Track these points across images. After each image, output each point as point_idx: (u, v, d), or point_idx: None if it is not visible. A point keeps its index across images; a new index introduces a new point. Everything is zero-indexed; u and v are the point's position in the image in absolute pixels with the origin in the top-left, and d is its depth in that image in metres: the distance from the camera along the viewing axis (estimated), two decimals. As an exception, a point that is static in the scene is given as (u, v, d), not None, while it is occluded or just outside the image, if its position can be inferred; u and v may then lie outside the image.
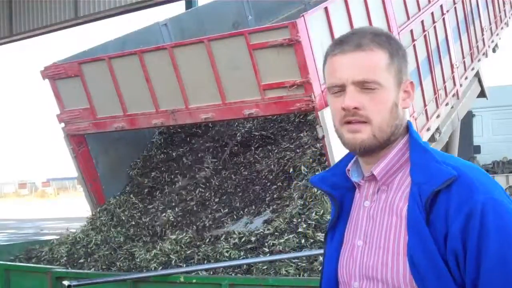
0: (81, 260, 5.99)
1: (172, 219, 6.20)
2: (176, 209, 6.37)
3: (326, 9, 5.67)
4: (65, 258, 6.12)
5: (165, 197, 6.62)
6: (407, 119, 1.78)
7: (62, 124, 6.84)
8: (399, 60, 1.73)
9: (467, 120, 10.59)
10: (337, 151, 5.39)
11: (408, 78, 1.76)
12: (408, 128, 1.76)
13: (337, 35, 5.75)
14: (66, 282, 4.67)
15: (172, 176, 6.93)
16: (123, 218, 6.57)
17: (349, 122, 1.69)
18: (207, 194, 6.38)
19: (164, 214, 6.34)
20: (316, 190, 5.36)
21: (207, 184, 6.53)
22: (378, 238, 1.67)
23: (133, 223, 6.43)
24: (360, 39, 1.70)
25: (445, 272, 1.57)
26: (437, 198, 1.60)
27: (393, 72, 1.70)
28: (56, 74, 6.64)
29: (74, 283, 4.68)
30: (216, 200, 6.26)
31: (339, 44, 1.72)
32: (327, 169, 1.96)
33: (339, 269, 1.77)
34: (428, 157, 1.68)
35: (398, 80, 1.71)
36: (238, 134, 6.98)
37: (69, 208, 32.08)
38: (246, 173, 6.41)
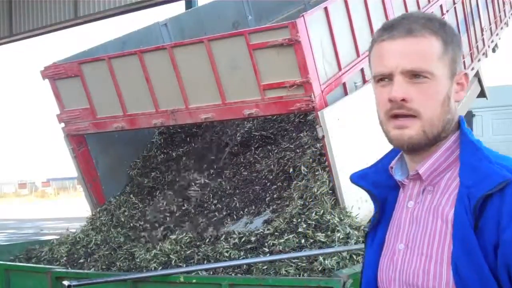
0: (81, 260, 5.99)
1: (172, 219, 6.20)
2: (176, 209, 6.36)
3: (326, 9, 5.67)
4: (65, 258, 6.12)
5: (165, 198, 6.61)
6: (459, 114, 1.64)
7: (62, 124, 6.83)
8: (454, 48, 1.58)
9: (467, 120, 10.57)
10: (337, 151, 5.39)
11: (462, 69, 1.61)
12: (459, 124, 1.61)
13: (337, 35, 5.78)
14: (66, 282, 4.66)
15: (172, 176, 6.92)
16: (123, 219, 6.57)
17: (395, 116, 1.56)
18: (206, 195, 6.37)
19: (163, 214, 6.34)
20: (316, 190, 5.36)
21: (207, 185, 6.53)
22: (421, 243, 1.55)
23: (133, 223, 6.43)
24: (411, 24, 1.56)
25: (494, 286, 1.43)
26: (487, 202, 1.45)
27: (447, 62, 1.56)
28: (56, 74, 6.64)
29: (74, 283, 4.67)
30: (216, 200, 6.25)
31: (388, 29, 1.58)
32: (369, 165, 1.82)
33: (378, 274, 1.66)
34: (480, 156, 1.53)
35: (452, 71, 1.57)
36: (238, 134, 6.98)
37: (69, 208, 32.08)
38: (246, 173, 6.41)
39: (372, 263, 1.68)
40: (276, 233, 5.18)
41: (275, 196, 5.90)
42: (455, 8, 8.69)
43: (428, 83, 1.53)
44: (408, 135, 1.55)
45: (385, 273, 1.63)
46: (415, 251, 1.55)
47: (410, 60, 1.53)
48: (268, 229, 5.28)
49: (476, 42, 9.49)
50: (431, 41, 1.55)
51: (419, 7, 7.56)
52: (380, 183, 1.71)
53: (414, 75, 1.53)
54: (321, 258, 4.75)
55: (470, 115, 14.20)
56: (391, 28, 1.58)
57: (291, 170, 5.93)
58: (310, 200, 5.36)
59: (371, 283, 1.68)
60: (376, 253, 1.68)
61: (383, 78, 1.57)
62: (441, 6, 8.17)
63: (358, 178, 1.76)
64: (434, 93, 1.54)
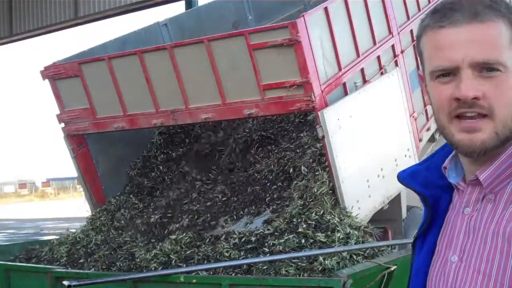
0: (81, 260, 5.98)
1: (172, 220, 6.19)
2: (176, 209, 6.36)
3: (326, 9, 5.67)
4: (65, 258, 6.12)
5: (165, 198, 6.61)
6: None
7: (62, 124, 6.83)
8: None
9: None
10: (337, 151, 5.39)
11: None
12: None
13: (337, 35, 5.78)
14: (66, 282, 4.66)
15: (172, 177, 6.92)
16: (123, 219, 6.57)
17: (460, 116, 1.32)
18: (207, 195, 6.37)
19: (163, 214, 6.33)
20: (316, 190, 5.36)
21: (207, 185, 6.53)
22: (478, 258, 1.33)
23: (133, 224, 6.43)
24: (476, 6, 1.31)
25: None
26: None
27: None
28: (56, 74, 6.64)
29: (74, 283, 4.67)
30: (217, 200, 6.25)
31: (448, 13, 1.33)
32: (418, 162, 1.59)
33: (427, 284, 1.46)
34: None
35: None
36: (238, 135, 6.97)
37: (69, 208, 32.07)
38: (246, 173, 6.41)
39: (420, 271, 1.49)
40: (276, 233, 5.18)
41: (275, 196, 5.90)
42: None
43: (500, 77, 1.29)
44: (480, 140, 1.31)
45: (434, 284, 1.44)
46: (470, 266, 1.35)
47: (481, 50, 1.29)
48: (268, 229, 5.28)
49: None
50: (500, 26, 1.31)
51: (419, 8, 7.56)
52: (432, 183, 1.49)
53: (485, 67, 1.29)
54: (321, 258, 4.75)
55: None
56: (451, 11, 1.32)
57: (291, 170, 5.93)
58: (310, 200, 5.35)
59: None
60: (425, 261, 1.48)
61: (445, 74, 1.33)
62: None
63: (407, 177, 1.54)
64: (508, 88, 1.30)
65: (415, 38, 1.42)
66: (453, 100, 1.31)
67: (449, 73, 1.32)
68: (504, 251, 1.29)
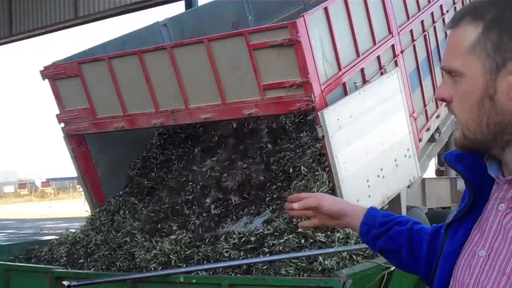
0: (81, 260, 5.98)
1: (171, 220, 6.19)
2: (176, 209, 6.36)
3: (326, 9, 5.67)
4: (65, 258, 6.11)
5: (164, 198, 6.60)
6: None
7: (62, 124, 6.83)
8: (503, 31, 1.28)
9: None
10: (337, 151, 5.39)
11: None
12: None
13: (337, 35, 5.78)
14: (66, 282, 4.66)
15: (172, 177, 6.92)
16: (122, 219, 6.57)
17: None
18: (206, 194, 6.37)
19: (163, 214, 6.33)
20: (316, 190, 5.35)
21: (207, 184, 6.52)
22: (505, 259, 1.31)
23: (132, 224, 6.42)
24: (463, 11, 1.35)
25: None
26: None
27: (483, 53, 1.30)
28: (56, 74, 6.64)
29: (74, 283, 4.67)
30: (216, 200, 6.24)
31: (452, 17, 1.39)
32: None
33: (455, 270, 1.44)
34: None
35: (496, 62, 1.29)
36: (238, 134, 6.97)
37: (68, 208, 32.07)
38: (247, 172, 6.40)
39: (449, 259, 1.46)
40: (276, 233, 5.18)
41: (275, 196, 5.90)
42: (454, 8, 8.68)
43: (459, 82, 1.34)
44: (454, 138, 1.41)
45: (460, 273, 1.41)
46: (496, 265, 1.32)
47: (446, 56, 1.37)
48: (268, 229, 5.28)
49: None
50: (466, 30, 1.32)
51: (419, 8, 7.56)
52: (477, 168, 1.45)
53: (451, 73, 1.36)
54: (320, 258, 4.75)
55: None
56: (454, 15, 1.39)
57: (291, 170, 5.93)
58: (310, 200, 5.34)
59: (445, 277, 1.47)
60: (459, 246, 1.45)
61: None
62: (441, 6, 8.18)
63: (453, 159, 1.50)
64: (465, 94, 1.33)
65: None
66: None
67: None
68: None
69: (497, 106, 1.30)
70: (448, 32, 1.38)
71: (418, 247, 1.82)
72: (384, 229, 1.87)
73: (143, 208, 6.62)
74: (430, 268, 1.74)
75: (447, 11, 8.33)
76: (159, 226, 6.15)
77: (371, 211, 1.92)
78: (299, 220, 5.23)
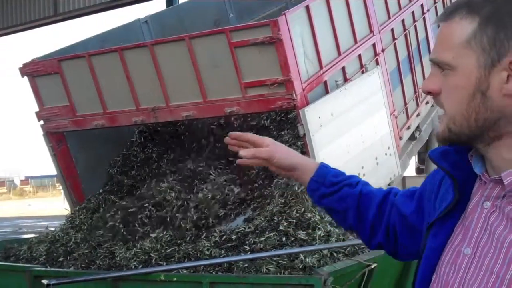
0: (61, 259, 5.93)
1: (152, 218, 6.16)
2: (156, 208, 6.33)
3: (307, 7, 5.68)
4: (44, 257, 6.06)
5: (145, 196, 6.57)
6: None
7: (42, 122, 6.77)
8: (499, 27, 1.28)
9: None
10: (318, 149, 5.40)
11: None
12: None
13: (318, 33, 5.79)
14: (45, 281, 4.61)
15: (152, 175, 6.88)
16: (102, 217, 6.52)
17: None
18: (187, 192, 6.35)
19: (143, 213, 6.29)
20: (297, 188, 5.36)
21: (187, 182, 6.50)
22: (493, 259, 1.29)
23: (112, 222, 6.38)
24: (456, 4, 1.35)
25: None
26: None
27: (479, 47, 1.29)
28: (35, 71, 6.58)
29: (53, 282, 4.62)
30: (196, 198, 6.22)
31: (444, 11, 1.39)
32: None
33: (438, 269, 1.42)
34: None
35: (491, 57, 1.28)
36: (218, 133, 6.96)
37: (48, 206, 31.84)
38: (227, 171, 6.39)
39: (434, 255, 1.44)
40: (257, 231, 5.18)
41: (256, 194, 5.90)
42: (435, 7, 8.74)
43: (449, 76, 1.33)
44: (437, 131, 1.40)
45: (444, 271, 1.40)
46: (483, 264, 1.31)
47: (436, 49, 1.36)
48: (249, 227, 5.28)
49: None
50: (460, 24, 1.32)
51: (400, 7, 7.60)
52: (461, 166, 1.44)
53: (440, 66, 1.35)
54: (302, 256, 4.75)
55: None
56: (445, 9, 1.39)
57: (272, 168, 5.92)
58: (291, 198, 5.36)
59: (428, 273, 1.45)
60: (439, 247, 1.43)
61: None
62: (421, 5, 8.23)
63: (438, 156, 1.49)
64: (455, 88, 1.32)
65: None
66: None
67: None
68: None
69: (488, 102, 1.30)
70: (440, 24, 1.37)
71: (364, 211, 1.83)
72: (334, 189, 1.87)
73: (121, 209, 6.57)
74: (375, 232, 1.80)
75: (428, 10, 8.38)
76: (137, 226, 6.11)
77: (323, 168, 1.92)
78: (280, 218, 5.24)
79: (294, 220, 5.15)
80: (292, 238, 5.04)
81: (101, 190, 6.96)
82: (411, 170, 10.54)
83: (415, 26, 8.01)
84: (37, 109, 6.77)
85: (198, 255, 5.14)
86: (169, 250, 5.36)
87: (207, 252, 5.14)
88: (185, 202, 5.98)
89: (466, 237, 1.37)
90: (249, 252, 4.98)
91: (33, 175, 68.04)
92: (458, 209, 1.43)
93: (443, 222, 1.45)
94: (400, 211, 1.76)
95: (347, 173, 1.92)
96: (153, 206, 6.10)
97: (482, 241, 1.33)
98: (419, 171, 11.59)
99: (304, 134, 5.34)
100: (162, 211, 6.02)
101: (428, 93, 1.38)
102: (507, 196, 1.32)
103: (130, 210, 6.18)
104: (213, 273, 4.86)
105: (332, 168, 1.93)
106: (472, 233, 1.36)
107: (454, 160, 1.46)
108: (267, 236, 5.06)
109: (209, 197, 5.87)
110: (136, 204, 6.20)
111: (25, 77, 6.66)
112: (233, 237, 5.24)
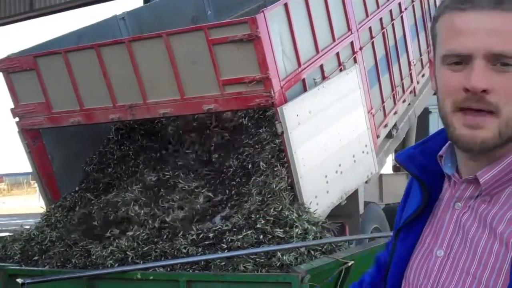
0: (36, 257, 5.87)
1: (130, 216, 6.12)
2: (133, 206, 6.28)
3: (286, 5, 5.68)
4: (18, 255, 6.00)
5: (121, 195, 6.52)
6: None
7: (17, 119, 6.70)
8: None
9: (424, 117, 10.72)
10: (296, 147, 5.40)
11: None
12: None
13: (297, 31, 5.79)
14: (19, 280, 4.56)
15: (129, 173, 6.84)
16: (78, 215, 6.46)
17: (465, 110, 1.23)
18: (166, 191, 6.32)
19: (120, 211, 6.25)
20: (274, 186, 5.36)
21: (166, 181, 6.47)
22: (469, 259, 1.26)
23: (88, 219, 6.33)
24: None
25: None
26: None
27: None
28: (11, 67, 6.50)
29: (28, 280, 4.58)
30: (174, 196, 6.20)
31: None
32: (414, 144, 1.48)
33: (406, 274, 1.38)
34: None
35: None
36: (195, 130, 6.93)
37: (22, 204, 31.53)
38: (205, 169, 6.37)
39: (401, 263, 1.40)
40: (234, 229, 5.17)
41: (233, 192, 5.89)
42: (413, 6, 8.79)
43: None
44: (481, 138, 1.22)
45: (414, 275, 1.36)
46: (458, 265, 1.27)
47: (499, 41, 1.18)
48: (227, 225, 5.27)
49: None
50: None
51: (378, 5, 7.63)
52: (428, 169, 1.39)
53: (500, 60, 1.19)
54: (279, 254, 4.76)
55: (426, 112, 14.43)
56: None
57: (249, 166, 5.92)
58: (268, 196, 5.36)
59: (397, 281, 1.41)
60: (408, 251, 1.40)
61: (458, 62, 1.24)
62: (399, 4, 8.26)
63: (405, 160, 1.44)
64: None
65: (433, 19, 1.34)
66: (461, 90, 1.22)
67: (461, 61, 1.23)
68: (500, 256, 1.21)
69: None
70: (487, 12, 1.20)
71: None
72: None
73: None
74: None
75: (405, 9, 8.43)
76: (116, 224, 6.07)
77: None
78: (257, 216, 5.24)
79: (272, 218, 5.15)
80: (270, 236, 5.04)
81: (77, 188, 6.90)
82: (388, 168, 10.59)
83: (393, 25, 8.05)
84: (12, 106, 6.68)
85: (175, 253, 5.12)
86: (145, 248, 5.33)
87: (184, 250, 5.13)
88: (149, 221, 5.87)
89: (438, 238, 1.33)
90: (226, 250, 4.97)
91: (7, 172, 67.29)
92: (426, 213, 1.39)
93: (411, 226, 1.41)
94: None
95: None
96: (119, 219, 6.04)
97: (456, 242, 1.30)
98: (396, 169, 11.65)
99: (282, 132, 5.34)
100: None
101: (483, 92, 1.20)
102: (482, 195, 1.29)
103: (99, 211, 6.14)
104: (190, 271, 4.85)
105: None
106: (444, 234, 1.32)
107: (421, 163, 1.41)
108: (244, 234, 5.05)
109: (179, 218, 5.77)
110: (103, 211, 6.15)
111: (0, 73, 6.58)
112: (210, 235, 5.23)
